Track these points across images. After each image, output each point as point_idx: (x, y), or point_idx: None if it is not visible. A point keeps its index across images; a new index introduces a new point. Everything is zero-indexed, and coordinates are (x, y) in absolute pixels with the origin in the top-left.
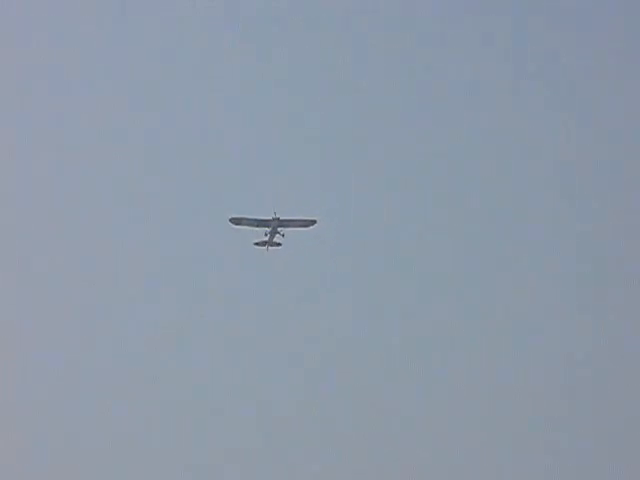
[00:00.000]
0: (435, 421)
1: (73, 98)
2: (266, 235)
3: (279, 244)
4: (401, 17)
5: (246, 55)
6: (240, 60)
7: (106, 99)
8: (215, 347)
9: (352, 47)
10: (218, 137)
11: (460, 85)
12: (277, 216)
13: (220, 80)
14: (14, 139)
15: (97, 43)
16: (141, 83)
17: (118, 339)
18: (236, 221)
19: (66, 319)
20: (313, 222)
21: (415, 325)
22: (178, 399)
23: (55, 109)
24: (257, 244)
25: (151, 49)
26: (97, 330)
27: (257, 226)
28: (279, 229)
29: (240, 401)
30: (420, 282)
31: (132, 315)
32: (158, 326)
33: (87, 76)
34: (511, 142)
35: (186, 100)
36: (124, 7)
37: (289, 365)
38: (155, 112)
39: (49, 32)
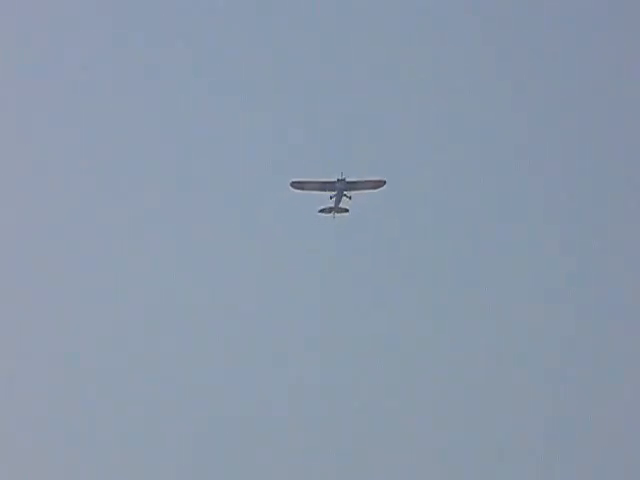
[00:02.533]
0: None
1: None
2: (331, 199)
3: (346, 210)
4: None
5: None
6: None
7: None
8: (276, 326)
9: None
10: (276, 95)
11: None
12: (343, 177)
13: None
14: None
15: (98, 45)
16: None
17: (170, 305)
18: (298, 185)
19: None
20: (382, 183)
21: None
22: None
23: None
24: (322, 211)
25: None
26: (142, 292)
27: (321, 189)
28: (345, 192)
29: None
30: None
31: (190, 283)
32: (211, 301)
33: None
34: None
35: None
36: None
37: (358, 347)
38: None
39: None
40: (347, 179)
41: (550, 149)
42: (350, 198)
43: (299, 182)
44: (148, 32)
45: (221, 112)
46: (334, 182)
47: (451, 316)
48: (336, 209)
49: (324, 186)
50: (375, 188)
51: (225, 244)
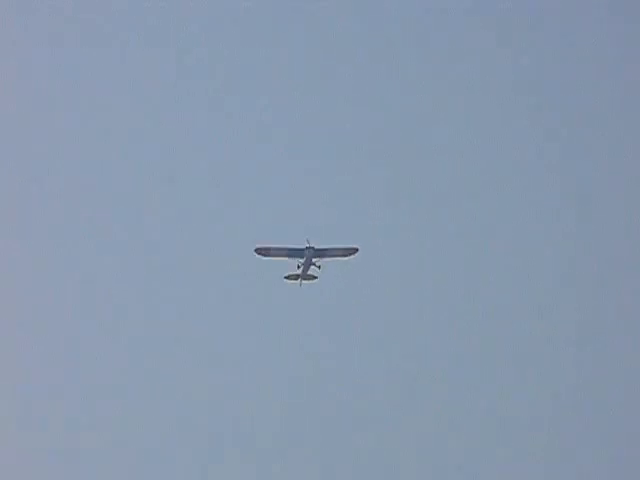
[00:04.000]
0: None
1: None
2: (299, 267)
3: (314, 277)
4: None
5: (274, 73)
6: (267, 77)
7: (122, 128)
8: (244, 394)
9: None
10: (241, 158)
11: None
12: (312, 245)
13: (248, 98)
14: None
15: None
16: (155, 108)
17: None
18: (263, 252)
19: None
20: (354, 250)
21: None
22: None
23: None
24: (288, 278)
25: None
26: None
27: (288, 256)
28: (314, 260)
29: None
30: (475, 315)
31: (151, 357)
32: (178, 371)
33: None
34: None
35: (207, 121)
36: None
37: (331, 417)
38: (174, 131)
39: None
40: (316, 246)
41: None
42: (319, 267)
43: (264, 248)
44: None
45: (187, 170)
46: (302, 249)
47: (420, 392)
48: (304, 276)
49: (291, 253)
50: (346, 256)
51: (188, 310)
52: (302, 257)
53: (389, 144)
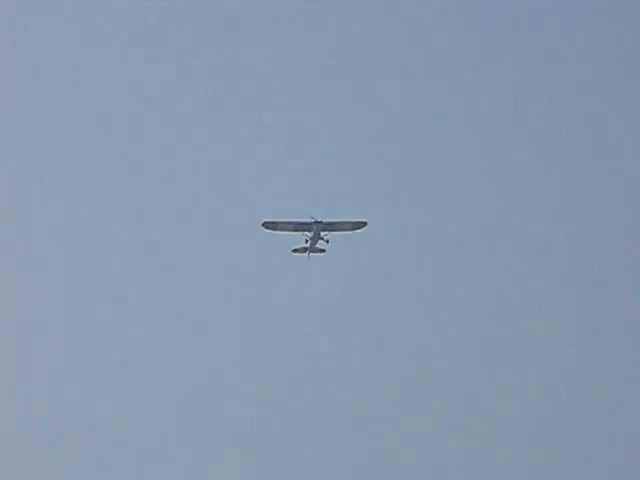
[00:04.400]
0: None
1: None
2: (307, 242)
3: (323, 250)
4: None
5: (277, 54)
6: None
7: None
8: (246, 368)
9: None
10: (249, 133)
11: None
12: (320, 219)
13: (254, 81)
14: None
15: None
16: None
17: (143, 356)
18: (271, 225)
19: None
20: (363, 224)
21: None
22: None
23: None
24: (296, 251)
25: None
26: (119, 342)
27: (296, 231)
28: (323, 233)
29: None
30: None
31: (157, 331)
32: (185, 345)
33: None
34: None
35: (216, 100)
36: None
37: (335, 393)
38: (180, 111)
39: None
40: (324, 220)
41: (539, 185)
42: (328, 242)
43: (272, 222)
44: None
45: (194, 147)
46: (310, 223)
47: (432, 361)
48: (311, 249)
49: (299, 227)
50: (355, 229)
51: (194, 282)
52: (310, 231)
53: (399, 119)
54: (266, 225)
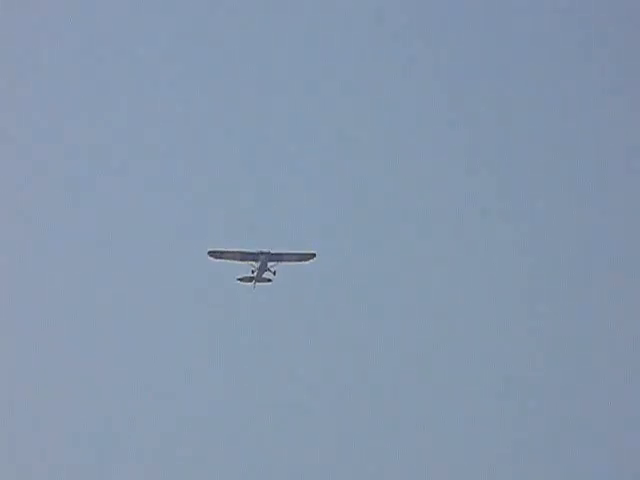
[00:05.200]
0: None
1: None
2: (253, 272)
3: (269, 280)
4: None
5: (246, 74)
6: (238, 77)
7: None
8: (190, 397)
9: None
10: (201, 160)
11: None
12: (267, 249)
13: (210, 95)
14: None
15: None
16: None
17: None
18: (216, 254)
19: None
20: (312, 256)
21: (425, 374)
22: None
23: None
24: (241, 280)
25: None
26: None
27: (242, 260)
28: (270, 264)
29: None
30: (433, 320)
31: (104, 357)
32: (133, 374)
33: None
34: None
35: (171, 125)
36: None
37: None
38: (140, 130)
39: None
40: (271, 250)
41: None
42: (274, 273)
43: (218, 252)
44: None
45: (144, 172)
46: (256, 253)
47: (368, 396)
48: (258, 279)
49: (246, 256)
50: (303, 260)
51: (138, 310)
52: (257, 261)
53: (350, 148)
54: (212, 254)
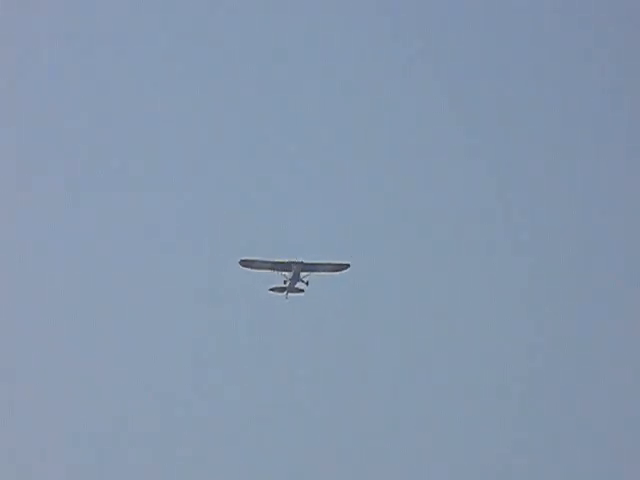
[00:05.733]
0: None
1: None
2: (286, 282)
3: (301, 290)
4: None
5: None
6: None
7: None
8: (223, 412)
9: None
10: (230, 167)
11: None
12: (300, 259)
13: (236, 106)
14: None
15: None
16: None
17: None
18: (248, 264)
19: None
20: (346, 266)
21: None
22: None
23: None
24: (273, 290)
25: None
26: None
27: (274, 270)
28: (303, 274)
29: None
30: (468, 331)
31: (135, 372)
32: (161, 386)
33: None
34: None
35: (197, 128)
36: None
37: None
38: (159, 138)
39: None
40: (304, 260)
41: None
42: (307, 283)
43: (249, 260)
44: None
45: (172, 180)
46: (289, 262)
47: (415, 406)
48: (290, 289)
49: (278, 266)
50: (337, 271)
51: (169, 320)
52: (289, 271)
53: (383, 158)
54: (243, 263)
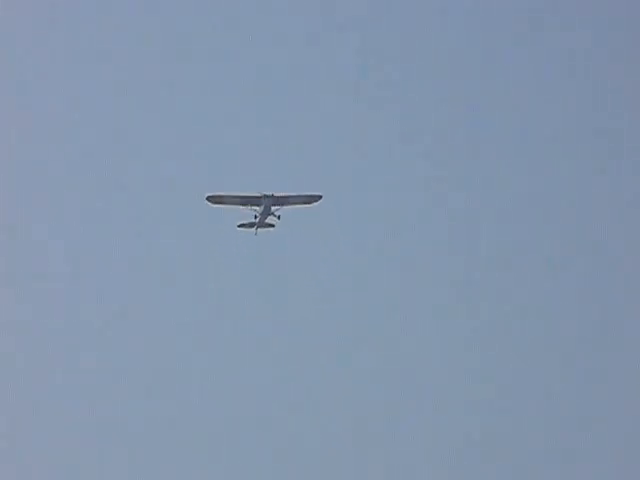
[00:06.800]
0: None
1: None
2: (256, 218)
3: (272, 225)
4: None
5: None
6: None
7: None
8: (190, 351)
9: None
10: (199, 103)
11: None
12: (270, 193)
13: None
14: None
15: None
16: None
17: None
18: (215, 199)
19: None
20: (318, 197)
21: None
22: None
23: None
24: (242, 226)
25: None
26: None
27: (243, 204)
28: (274, 208)
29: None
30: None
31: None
32: (129, 328)
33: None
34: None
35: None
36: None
37: (284, 374)
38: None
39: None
40: (275, 194)
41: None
42: (279, 218)
43: (217, 196)
44: None
45: (141, 117)
46: (259, 197)
47: (378, 345)
48: (260, 225)
49: (247, 201)
50: (309, 203)
51: (134, 260)
52: (259, 205)
53: (356, 86)
54: (211, 199)
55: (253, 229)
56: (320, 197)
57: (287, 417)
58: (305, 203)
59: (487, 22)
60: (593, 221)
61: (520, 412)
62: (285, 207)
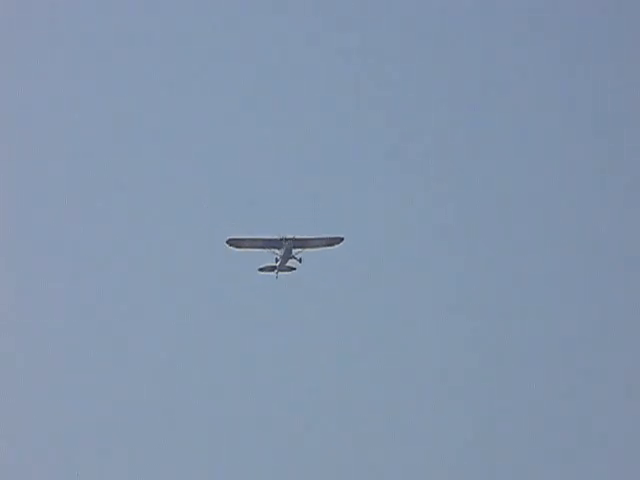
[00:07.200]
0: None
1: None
2: (277, 261)
3: (292, 268)
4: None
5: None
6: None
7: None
8: (212, 396)
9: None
10: (217, 146)
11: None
12: (290, 235)
13: (224, 84)
14: None
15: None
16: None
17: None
18: (236, 243)
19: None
20: (339, 240)
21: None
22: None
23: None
24: (263, 270)
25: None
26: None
27: (263, 248)
28: (294, 251)
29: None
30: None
31: (123, 357)
32: (151, 370)
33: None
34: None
35: (183, 104)
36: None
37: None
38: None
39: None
40: (296, 236)
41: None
42: (300, 261)
43: (237, 239)
44: None
45: (159, 160)
46: (280, 240)
47: (400, 388)
48: (280, 268)
49: (268, 244)
50: (330, 245)
51: (156, 303)
52: (279, 248)
53: (374, 131)
54: (231, 243)
55: (274, 273)
56: (342, 239)
57: (287, 417)
58: (327, 245)
59: (487, 22)
60: (593, 221)
61: (520, 412)
62: (306, 249)
